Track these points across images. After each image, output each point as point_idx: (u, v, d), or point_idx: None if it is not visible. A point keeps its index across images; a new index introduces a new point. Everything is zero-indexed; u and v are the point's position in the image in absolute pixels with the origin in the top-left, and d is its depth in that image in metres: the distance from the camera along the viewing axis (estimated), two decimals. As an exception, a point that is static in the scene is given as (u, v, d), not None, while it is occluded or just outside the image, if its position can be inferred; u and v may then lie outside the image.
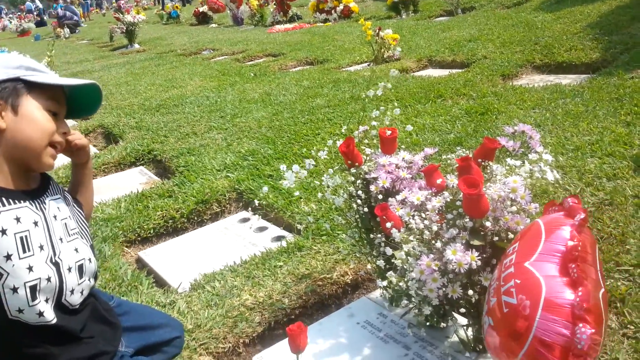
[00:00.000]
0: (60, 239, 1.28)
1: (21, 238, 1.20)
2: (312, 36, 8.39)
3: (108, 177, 3.35)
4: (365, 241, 1.62)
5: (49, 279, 1.23)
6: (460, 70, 4.54)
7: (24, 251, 1.19)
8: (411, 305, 1.54)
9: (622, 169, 2.12)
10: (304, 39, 8.15)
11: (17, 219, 1.20)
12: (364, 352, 1.51)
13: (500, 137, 1.44)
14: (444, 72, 4.66)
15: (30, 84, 1.23)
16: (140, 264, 2.25)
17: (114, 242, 2.35)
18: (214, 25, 13.72)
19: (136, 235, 2.46)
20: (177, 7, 16.56)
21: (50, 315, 1.23)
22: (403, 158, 1.55)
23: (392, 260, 1.31)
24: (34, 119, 1.21)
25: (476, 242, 1.20)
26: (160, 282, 2.03)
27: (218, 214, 2.67)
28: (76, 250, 1.31)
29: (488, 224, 1.19)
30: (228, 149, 3.35)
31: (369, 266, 1.68)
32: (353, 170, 1.56)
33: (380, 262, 1.41)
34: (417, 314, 1.54)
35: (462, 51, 5.19)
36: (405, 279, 1.28)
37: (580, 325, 0.90)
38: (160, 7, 19.85)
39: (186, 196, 2.71)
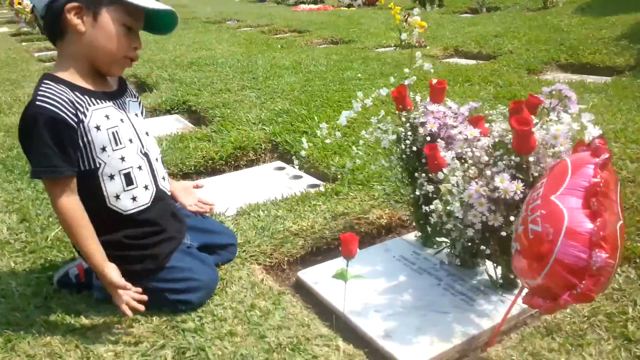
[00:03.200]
0: (147, 133, 1.47)
1: (112, 133, 1.38)
2: (337, 18, 8.51)
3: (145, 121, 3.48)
4: (408, 180, 1.77)
5: (140, 167, 1.42)
6: (486, 62, 4.68)
7: (116, 144, 1.38)
8: (446, 240, 1.70)
9: (644, 154, 2.28)
10: (329, 19, 8.27)
11: (107, 116, 1.38)
12: (400, 279, 1.67)
13: (539, 95, 1.59)
14: (471, 62, 4.80)
15: None
16: (183, 194, 2.40)
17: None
18: (237, -1, 13.80)
19: (178, 169, 2.61)
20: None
21: (144, 199, 1.43)
22: (450, 107, 1.71)
23: (440, 189, 1.46)
24: (110, 32, 1.32)
25: (520, 176, 1.35)
26: (205, 210, 2.18)
27: (254, 161, 2.82)
28: (155, 144, 1.51)
29: (532, 159, 1.35)
30: (262, 106, 3.50)
31: (401, 212, 1.82)
32: (404, 113, 1.71)
33: (420, 198, 1.56)
34: (450, 253, 1.71)
35: (488, 45, 5.32)
36: (450, 207, 1.43)
37: (597, 250, 1.05)
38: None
39: (224, 142, 2.85)
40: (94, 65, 1.38)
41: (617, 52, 4.42)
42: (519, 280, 1.59)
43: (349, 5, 10.54)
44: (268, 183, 2.48)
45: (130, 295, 1.35)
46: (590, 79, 3.95)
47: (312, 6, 10.85)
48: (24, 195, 2.22)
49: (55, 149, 1.27)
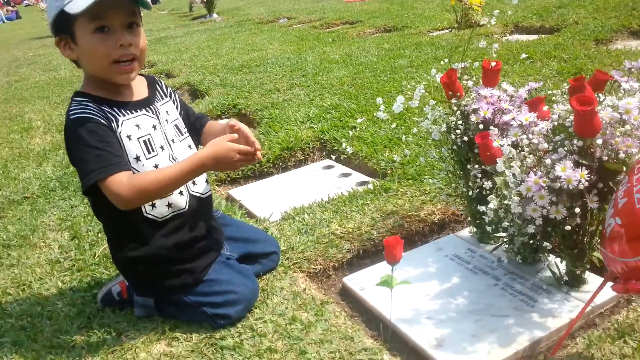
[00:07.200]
0: (172, 140, 1.41)
1: (145, 142, 1.34)
2: (390, 4, 8.27)
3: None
4: (460, 173, 1.62)
5: None
6: (549, 36, 4.36)
7: (149, 152, 1.34)
8: (504, 235, 1.54)
9: None
10: (381, 7, 8.05)
11: (137, 126, 1.33)
12: (453, 280, 1.53)
13: (614, 71, 1.40)
14: (532, 37, 4.50)
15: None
16: (231, 199, 2.36)
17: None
18: (290, -3, 13.78)
19: (226, 175, 2.57)
20: (254, -21, 16.73)
21: (180, 204, 1.40)
22: (505, 90, 1.54)
23: (496, 186, 1.31)
24: (87, 46, 1.27)
25: (585, 162, 1.18)
26: (250, 215, 2.13)
27: (302, 161, 2.74)
28: (189, 147, 1.45)
29: (599, 141, 1.17)
30: (311, 103, 3.41)
31: (454, 207, 1.68)
32: (454, 100, 1.56)
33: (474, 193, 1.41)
34: (508, 249, 1.55)
35: (551, 17, 4.97)
36: (507, 201, 1.28)
37: None
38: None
39: (272, 143, 2.79)
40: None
41: (699, 11, 3.99)
42: (586, 276, 1.42)
43: (402, -9, 10.26)
44: (316, 183, 2.39)
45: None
46: (668, 43, 3.58)
47: (365, -4, 10.64)
48: (77, 212, 2.26)
49: (103, 147, 1.25)
